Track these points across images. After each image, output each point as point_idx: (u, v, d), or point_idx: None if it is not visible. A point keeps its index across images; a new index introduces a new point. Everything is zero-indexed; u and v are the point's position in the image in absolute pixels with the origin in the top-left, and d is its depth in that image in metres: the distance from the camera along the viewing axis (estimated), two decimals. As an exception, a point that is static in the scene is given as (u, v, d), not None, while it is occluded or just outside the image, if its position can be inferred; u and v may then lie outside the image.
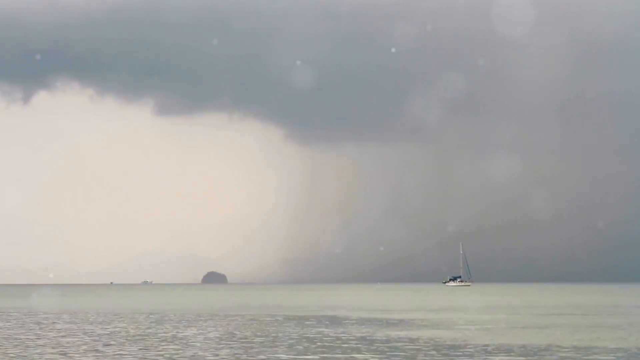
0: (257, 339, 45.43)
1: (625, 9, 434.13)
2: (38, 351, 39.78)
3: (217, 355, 37.46)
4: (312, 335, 48.12)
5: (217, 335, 48.38)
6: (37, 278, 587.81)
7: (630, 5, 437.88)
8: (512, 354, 37.53)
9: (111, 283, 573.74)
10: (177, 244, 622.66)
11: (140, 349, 40.11)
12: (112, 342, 44.00)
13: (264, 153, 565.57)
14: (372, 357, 36.22)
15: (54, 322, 63.66)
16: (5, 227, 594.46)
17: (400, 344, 42.54)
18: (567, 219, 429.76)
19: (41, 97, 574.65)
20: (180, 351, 39.20)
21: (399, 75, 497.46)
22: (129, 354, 37.91)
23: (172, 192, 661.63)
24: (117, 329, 54.34)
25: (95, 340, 45.28)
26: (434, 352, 38.24)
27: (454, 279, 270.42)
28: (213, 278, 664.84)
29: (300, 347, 41.13)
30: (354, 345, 41.51)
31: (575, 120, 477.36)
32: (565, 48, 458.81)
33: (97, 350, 39.74)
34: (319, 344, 42.67)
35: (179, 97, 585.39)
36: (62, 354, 38.30)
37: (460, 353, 37.84)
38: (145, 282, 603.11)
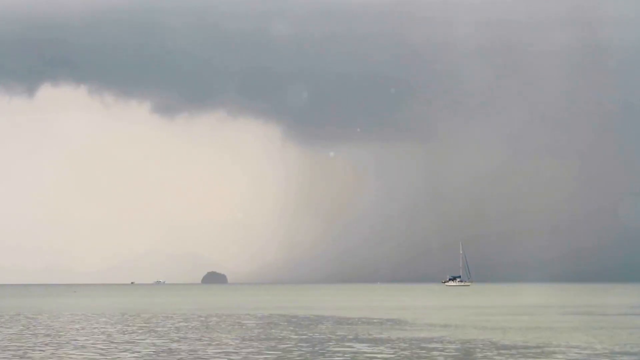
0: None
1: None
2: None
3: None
4: (310, 335, 48.02)
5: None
6: (37, 278, 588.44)
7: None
8: (510, 354, 37.32)
9: (132, 283, 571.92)
10: (177, 244, 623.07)
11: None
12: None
13: (263, 153, 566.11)
14: (367, 357, 36.03)
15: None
16: (6, 227, 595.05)
17: (398, 343, 42.38)
18: (567, 220, 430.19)
19: (43, 94, 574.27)
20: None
21: (397, 77, 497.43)
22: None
23: (172, 191, 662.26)
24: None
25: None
26: (429, 352, 38.05)
27: (453, 278, 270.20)
28: (213, 278, 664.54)
29: (298, 347, 41.02)
30: (348, 345, 41.35)
31: (576, 124, 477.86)
32: (568, 53, 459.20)
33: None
34: (311, 342, 42.55)
35: (177, 96, 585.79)
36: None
37: (458, 352, 37.66)
38: (158, 282, 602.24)
